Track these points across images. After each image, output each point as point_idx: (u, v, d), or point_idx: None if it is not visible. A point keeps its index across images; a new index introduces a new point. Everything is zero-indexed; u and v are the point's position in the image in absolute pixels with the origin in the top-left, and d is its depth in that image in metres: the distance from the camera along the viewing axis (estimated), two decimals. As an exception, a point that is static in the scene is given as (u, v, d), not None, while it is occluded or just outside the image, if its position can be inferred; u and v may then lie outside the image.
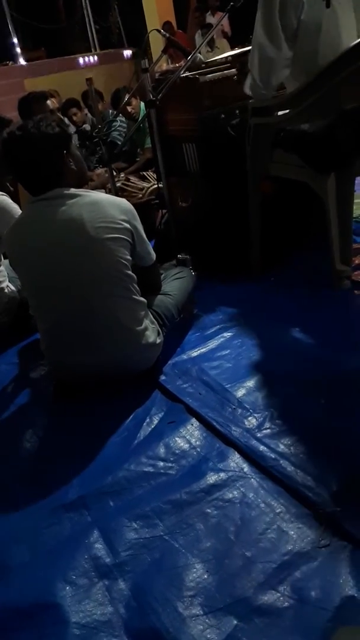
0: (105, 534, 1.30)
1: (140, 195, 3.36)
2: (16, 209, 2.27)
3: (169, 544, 1.25)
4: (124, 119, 4.52)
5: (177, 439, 1.57)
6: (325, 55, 1.91)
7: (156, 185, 3.19)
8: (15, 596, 1.19)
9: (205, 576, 1.16)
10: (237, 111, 2.43)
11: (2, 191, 2.32)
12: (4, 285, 2.36)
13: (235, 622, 1.05)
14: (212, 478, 1.40)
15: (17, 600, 1.18)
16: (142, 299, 1.81)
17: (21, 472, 1.59)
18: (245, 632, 1.03)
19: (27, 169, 1.68)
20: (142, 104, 4.16)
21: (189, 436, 1.57)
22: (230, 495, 1.34)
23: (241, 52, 2.80)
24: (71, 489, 1.47)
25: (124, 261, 1.72)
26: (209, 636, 1.04)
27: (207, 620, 1.07)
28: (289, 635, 1.01)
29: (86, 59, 8.27)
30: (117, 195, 2.56)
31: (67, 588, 1.18)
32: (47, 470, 1.57)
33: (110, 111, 4.71)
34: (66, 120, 4.63)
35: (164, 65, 5.69)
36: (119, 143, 4.30)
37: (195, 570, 1.17)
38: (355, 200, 2.14)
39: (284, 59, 1.98)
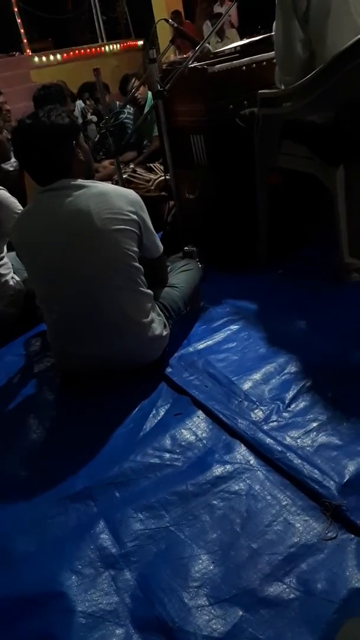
0: (111, 524, 1.30)
1: (148, 188, 3.34)
2: (15, 203, 2.28)
3: (175, 535, 1.25)
4: (131, 110, 4.49)
5: (183, 430, 1.57)
6: (334, 41, 1.88)
7: (163, 177, 3.17)
8: (22, 585, 1.20)
9: (211, 567, 1.16)
10: (246, 102, 2.41)
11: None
12: (9, 277, 2.37)
13: (241, 612, 1.06)
14: (218, 470, 1.40)
15: (24, 589, 1.19)
16: (148, 291, 1.81)
17: (27, 463, 1.59)
18: (251, 623, 1.04)
19: (36, 158, 1.67)
20: (150, 92, 4.14)
21: (195, 428, 1.57)
22: (236, 487, 1.34)
23: (249, 42, 2.78)
24: (77, 479, 1.47)
25: (130, 253, 1.71)
26: (214, 626, 1.04)
27: (212, 611, 1.07)
28: (294, 627, 1.01)
29: (93, 49, 8.24)
30: (123, 187, 2.55)
31: (73, 578, 1.19)
32: (53, 461, 1.58)
33: (118, 103, 4.68)
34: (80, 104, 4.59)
35: (172, 56, 5.65)
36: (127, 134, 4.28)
37: (201, 561, 1.18)
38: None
39: (297, 41, 1.97)
